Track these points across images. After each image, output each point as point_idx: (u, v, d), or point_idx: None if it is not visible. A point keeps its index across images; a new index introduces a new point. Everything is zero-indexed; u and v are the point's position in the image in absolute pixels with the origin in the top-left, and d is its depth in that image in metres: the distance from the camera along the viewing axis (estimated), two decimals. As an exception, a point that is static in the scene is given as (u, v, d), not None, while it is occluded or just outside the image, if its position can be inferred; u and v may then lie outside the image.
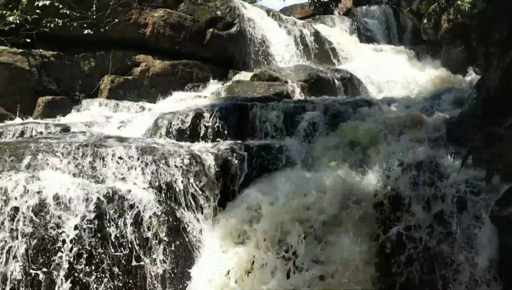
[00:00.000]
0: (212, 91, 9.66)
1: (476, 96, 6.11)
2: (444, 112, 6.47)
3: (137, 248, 4.71)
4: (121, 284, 4.55)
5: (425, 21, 11.61)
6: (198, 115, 6.83)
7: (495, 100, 4.81)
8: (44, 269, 4.32)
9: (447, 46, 11.33)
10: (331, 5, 16.05)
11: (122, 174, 5.06)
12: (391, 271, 4.36)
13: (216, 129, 6.71)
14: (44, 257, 4.37)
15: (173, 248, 4.87)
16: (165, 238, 4.85)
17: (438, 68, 11.52)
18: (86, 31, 9.46)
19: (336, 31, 13.55)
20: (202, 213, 5.30)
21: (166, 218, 4.94)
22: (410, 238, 4.38)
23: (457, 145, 4.96)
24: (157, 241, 4.82)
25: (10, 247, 4.33)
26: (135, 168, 5.14)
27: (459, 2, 8.80)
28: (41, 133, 6.64)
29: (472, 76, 9.98)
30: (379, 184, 4.86)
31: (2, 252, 4.29)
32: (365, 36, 14.38)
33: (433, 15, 11.22)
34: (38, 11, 9.05)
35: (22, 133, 6.60)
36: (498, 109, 4.87)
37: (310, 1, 16.20)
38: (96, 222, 4.60)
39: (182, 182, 5.27)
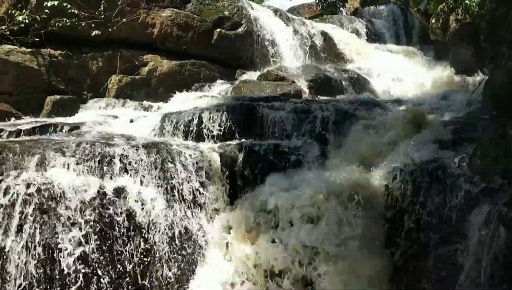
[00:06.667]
0: (219, 91, 9.67)
1: (484, 97, 6.09)
2: (452, 112, 6.45)
3: (143, 245, 4.73)
4: (127, 280, 4.59)
5: (433, 21, 11.53)
6: (205, 115, 6.83)
7: (503, 100, 4.79)
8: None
9: (455, 46, 11.26)
10: (338, 5, 16.03)
11: (129, 173, 5.09)
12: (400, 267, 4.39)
13: (223, 128, 6.71)
14: (51, 259, 4.42)
15: (178, 246, 4.89)
16: (171, 236, 4.88)
17: (446, 68, 11.46)
18: (94, 31, 9.51)
19: (344, 31, 13.51)
20: (208, 211, 5.31)
21: (172, 216, 4.97)
22: (417, 237, 4.39)
23: (465, 145, 4.94)
24: (162, 238, 4.84)
25: (16, 246, 4.38)
26: (142, 167, 5.16)
27: (467, 1, 8.73)
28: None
29: (480, 76, 9.93)
30: (388, 185, 4.85)
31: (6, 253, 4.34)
32: (373, 36, 14.33)
33: (441, 15, 11.14)
34: (46, 11, 9.10)
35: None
36: (506, 109, 4.84)
37: (317, 1, 16.22)
38: (103, 220, 4.63)
39: (188, 181, 5.28)
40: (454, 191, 4.35)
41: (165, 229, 4.91)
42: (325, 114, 6.66)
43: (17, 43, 8.83)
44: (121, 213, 4.75)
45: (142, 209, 4.87)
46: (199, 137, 6.62)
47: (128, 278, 4.62)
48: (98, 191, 4.77)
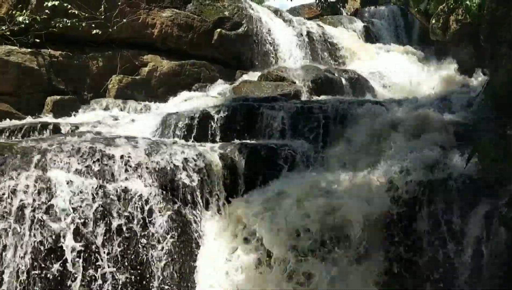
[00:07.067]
0: (219, 91, 9.67)
1: (484, 97, 6.09)
2: (452, 113, 6.45)
3: (143, 245, 4.74)
4: (127, 279, 4.59)
5: (433, 21, 11.55)
6: (205, 115, 6.83)
7: (503, 100, 4.80)
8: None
9: (456, 46, 11.29)
10: (339, 6, 16.07)
11: (129, 173, 5.09)
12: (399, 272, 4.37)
13: (223, 129, 6.71)
14: (52, 258, 4.43)
15: (178, 246, 4.90)
16: (171, 236, 4.89)
17: (447, 68, 11.47)
18: (94, 31, 9.52)
19: (344, 31, 13.51)
20: (207, 212, 5.31)
21: (172, 216, 4.97)
22: (417, 237, 4.38)
23: (466, 146, 4.94)
24: (163, 239, 4.85)
25: (17, 246, 4.38)
26: (142, 167, 5.16)
27: (467, 2, 8.75)
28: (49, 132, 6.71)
29: (480, 77, 9.93)
30: (387, 186, 4.84)
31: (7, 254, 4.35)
32: (373, 36, 14.33)
33: (441, 15, 11.16)
34: (47, 11, 9.12)
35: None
36: (506, 109, 4.85)
37: (317, 1, 16.27)
38: (103, 220, 4.64)
39: (188, 181, 5.28)
40: (454, 191, 4.35)
41: (165, 230, 4.91)
42: (325, 115, 6.65)
43: (17, 43, 8.83)
44: (122, 213, 4.76)
45: (143, 209, 4.87)
46: (200, 138, 6.62)
47: (128, 279, 4.62)
48: (98, 192, 4.78)
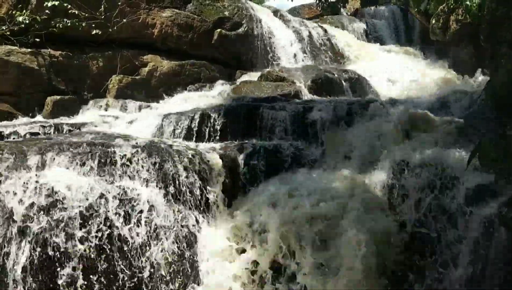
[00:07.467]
0: (219, 91, 9.67)
1: (485, 97, 6.07)
2: (453, 114, 6.45)
3: (142, 244, 4.74)
4: (127, 277, 4.60)
5: (433, 21, 11.55)
6: (205, 115, 6.84)
7: (503, 100, 4.78)
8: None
9: (456, 46, 11.29)
10: (339, 6, 16.04)
11: (129, 173, 5.09)
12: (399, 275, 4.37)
13: (223, 129, 6.72)
14: (51, 259, 4.43)
15: (177, 245, 4.90)
16: (170, 236, 4.89)
17: (447, 69, 11.46)
18: (94, 31, 9.52)
19: (344, 32, 13.50)
20: (208, 212, 5.31)
21: (172, 216, 4.97)
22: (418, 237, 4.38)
23: (466, 146, 4.94)
24: (161, 238, 4.85)
25: (18, 248, 4.38)
26: (142, 167, 5.17)
27: (467, 2, 8.75)
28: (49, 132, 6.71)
29: (480, 77, 9.93)
30: (387, 186, 4.84)
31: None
32: (373, 36, 14.32)
33: (441, 16, 11.16)
34: (47, 11, 9.11)
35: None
36: (506, 109, 4.83)
37: (317, 1, 16.24)
38: (103, 220, 4.65)
39: (188, 181, 5.28)
40: (454, 191, 4.35)
41: (165, 229, 4.91)
42: (325, 115, 6.65)
43: (18, 43, 8.83)
44: (121, 213, 4.76)
45: (142, 209, 4.87)
46: (199, 138, 6.63)
47: (127, 277, 4.62)
48: (98, 192, 4.78)
